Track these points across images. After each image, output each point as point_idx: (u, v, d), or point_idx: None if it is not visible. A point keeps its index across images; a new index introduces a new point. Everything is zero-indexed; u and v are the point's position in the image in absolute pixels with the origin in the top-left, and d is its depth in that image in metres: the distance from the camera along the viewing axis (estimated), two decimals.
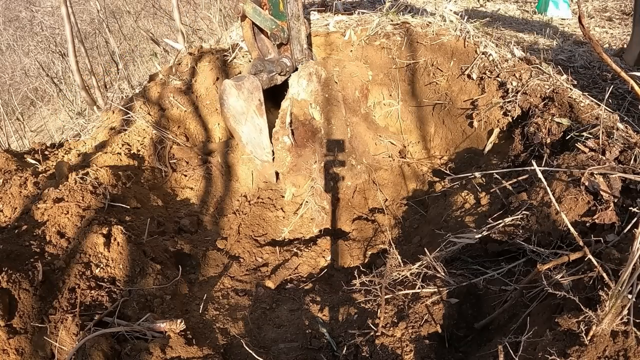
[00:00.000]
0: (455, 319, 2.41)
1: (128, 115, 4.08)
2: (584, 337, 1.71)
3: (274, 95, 4.06)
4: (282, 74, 3.70)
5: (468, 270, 2.63)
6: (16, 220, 2.86)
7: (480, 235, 2.62)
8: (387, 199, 3.93)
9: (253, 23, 3.79)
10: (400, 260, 2.72)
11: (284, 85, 3.95)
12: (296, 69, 3.77)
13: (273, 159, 3.90)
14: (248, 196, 3.94)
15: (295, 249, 3.50)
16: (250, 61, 3.98)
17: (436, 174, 4.02)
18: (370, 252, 3.51)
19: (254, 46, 3.85)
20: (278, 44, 3.60)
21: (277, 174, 3.99)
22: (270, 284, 3.20)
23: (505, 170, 3.20)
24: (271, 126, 3.89)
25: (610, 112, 3.11)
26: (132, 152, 3.79)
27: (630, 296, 1.62)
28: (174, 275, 2.84)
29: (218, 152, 4.14)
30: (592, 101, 3.25)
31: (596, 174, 2.45)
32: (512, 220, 2.59)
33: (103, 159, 3.60)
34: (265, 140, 3.79)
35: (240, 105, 3.64)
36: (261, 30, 3.83)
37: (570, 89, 3.43)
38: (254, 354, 2.22)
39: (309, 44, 4.01)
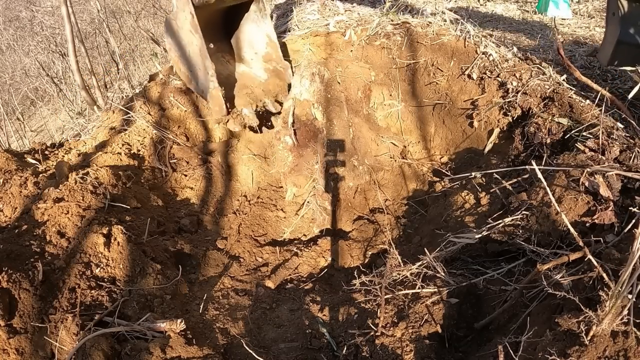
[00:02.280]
0: (455, 319, 2.41)
1: (128, 115, 4.08)
2: (584, 337, 1.71)
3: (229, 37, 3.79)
4: None
5: (468, 270, 2.63)
6: (16, 220, 2.86)
7: (480, 235, 2.62)
8: (387, 199, 3.93)
9: None
10: (400, 260, 2.72)
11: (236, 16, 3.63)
12: None
13: (220, 85, 3.58)
14: (248, 196, 3.94)
15: (295, 249, 3.49)
16: None
17: (436, 174, 4.02)
18: (370, 252, 3.51)
19: None
20: None
21: (226, 105, 3.65)
22: (270, 284, 3.20)
23: (505, 169, 3.20)
24: (231, 69, 3.61)
25: (610, 112, 3.11)
26: (132, 152, 3.79)
27: (630, 296, 1.62)
28: (174, 275, 2.84)
29: (218, 152, 4.14)
30: (592, 101, 3.25)
31: (596, 174, 2.45)
32: (512, 220, 2.59)
33: (103, 158, 3.60)
34: (207, 62, 3.47)
35: (179, 34, 3.36)
36: None
37: (570, 88, 3.43)
38: (254, 354, 2.23)
39: None
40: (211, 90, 3.57)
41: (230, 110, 3.71)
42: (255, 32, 3.70)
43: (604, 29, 3.26)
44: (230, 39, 3.94)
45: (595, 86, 3.20)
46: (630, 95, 2.89)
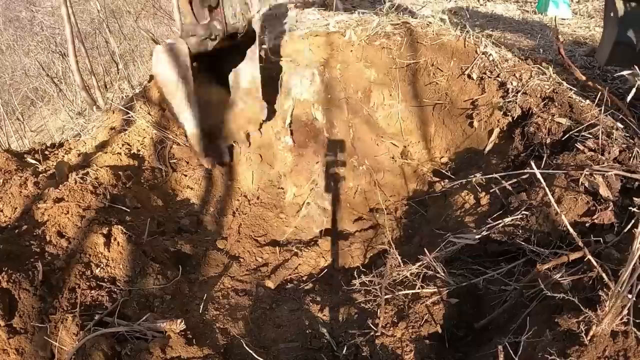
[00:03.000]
0: (455, 319, 2.41)
1: (128, 115, 4.08)
2: (584, 337, 1.71)
3: (214, 68, 3.97)
4: (212, 38, 3.48)
5: (468, 270, 2.63)
6: (16, 220, 2.86)
7: (480, 236, 2.62)
8: (387, 199, 3.93)
9: None
10: (400, 261, 2.73)
11: (227, 57, 3.81)
12: (231, 35, 3.57)
13: (199, 132, 3.75)
14: (248, 196, 3.94)
15: (295, 249, 3.50)
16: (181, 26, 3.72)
17: (436, 174, 4.02)
18: (370, 253, 3.51)
19: (189, 12, 3.49)
20: (208, 7, 3.37)
21: (203, 151, 3.83)
22: (270, 284, 3.21)
23: (507, 174, 3.20)
24: (213, 97, 3.78)
25: (609, 112, 3.11)
26: (132, 152, 3.79)
27: (630, 296, 1.63)
28: (174, 275, 2.84)
29: None
30: (592, 101, 3.25)
31: (595, 174, 2.46)
32: (512, 220, 2.59)
33: (103, 159, 3.60)
34: (192, 111, 3.64)
35: (171, 73, 3.50)
36: None
37: (570, 88, 3.43)
38: (254, 354, 2.23)
39: (245, 10, 3.70)
40: (192, 134, 3.77)
41: (207, 154, 3.90)
42: (242, 68, 3.88)
43: (602, 31, 3.27)
44: (212, 64, 4.08)
45: (595, 86, 3.20)
46: (629, 98, 2.89)
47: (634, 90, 2.79)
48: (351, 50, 4.46)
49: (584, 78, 3.24)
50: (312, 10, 5.10)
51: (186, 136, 3.88)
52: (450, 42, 4.16)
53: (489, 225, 2.63)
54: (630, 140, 2.78)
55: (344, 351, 2.43)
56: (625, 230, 2.18)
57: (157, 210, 3.44)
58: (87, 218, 2.77)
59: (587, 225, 2.34)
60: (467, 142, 4.04)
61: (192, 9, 3.48)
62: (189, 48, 3.43)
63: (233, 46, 3.77)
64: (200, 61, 3.74)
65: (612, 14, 3.11)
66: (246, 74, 3.88)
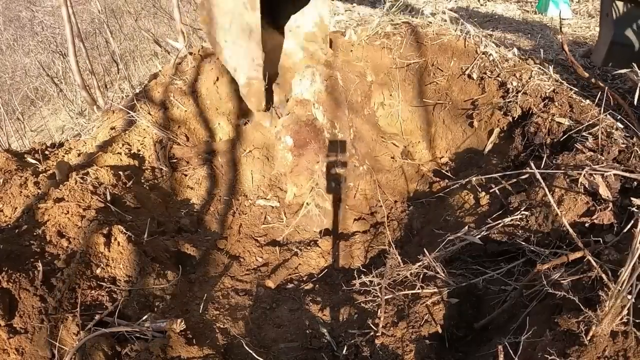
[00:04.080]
0: (455, 319, 2.42)
1: (128, 115, 4.08)
2: (584, 337, 1.71)
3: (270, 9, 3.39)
4: None
5: (468, 270, 2.63)
6: (16, 220, 2.87)
7: (479, 235, 2.62)
8: (387, 199, 3.93)
9: None
10: (400, 261, 2.73)
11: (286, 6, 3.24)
12: None
13: (265, 76, 3.12)
14: (249, 196, 3.94)
15: (295, 249, 3.50)
16: None
17: (436, 174, 4.02)
18: (370, 253, 3.51)
19: None
20: None
21: (267, 100, 3.26)
22: (270, 283, 3.21)
23: (505, 173, 3.20)
24: (268, 43, 3.24)
25: (608, 111, 3.11)
26: (132, 151, 3.79)
27: (629, 296, 1.63)
28: (174, 275, 2.84)
29: (219, 151, 4.14)
30: (592, 101, 3.25)
31: (595, 174, 2.46)
32: (512, 220, 2.59)
33: (103, 158, 3.61)
34: (255, 47, 2.98)
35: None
36: None
37: (571, 88, 3.43)
38: (254, 354, 2.23)
39: None
40: (253, 81, 3.15)
41: (269, 106, 3.37)
42: (307, 7, 3.29)
43: (598, 32, 3.28)
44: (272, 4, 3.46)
45: (598, 83, 3.19)
46: (636, 100, 2.83)
47: (638, 91, 2.77)
48: (351, 50, 4.46)
49: (586, 75, 3.24)
50: None
51: (232, 74, 3.19)
52: (450, 42, 4.16)
53: (488, 225, 2.63)
54: (630, 140, 2.78)
55: (344, 351, 2.43)
56: (625, 230, 2.18)
57: (157, 210, 3.45)
58: (87, 218, 2.77)
59: (586, 225, 2.34)
60: (467, 142, 4.04)
61: None
62: None
63: None
64: None
65: (607, 15, 3.12)
66: (312, 15, 3.27)
